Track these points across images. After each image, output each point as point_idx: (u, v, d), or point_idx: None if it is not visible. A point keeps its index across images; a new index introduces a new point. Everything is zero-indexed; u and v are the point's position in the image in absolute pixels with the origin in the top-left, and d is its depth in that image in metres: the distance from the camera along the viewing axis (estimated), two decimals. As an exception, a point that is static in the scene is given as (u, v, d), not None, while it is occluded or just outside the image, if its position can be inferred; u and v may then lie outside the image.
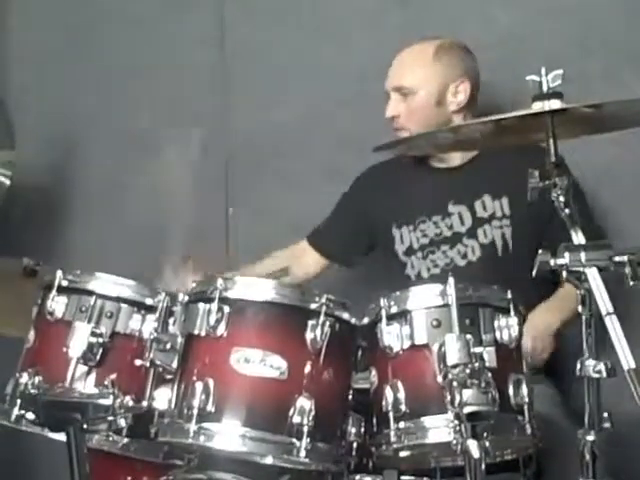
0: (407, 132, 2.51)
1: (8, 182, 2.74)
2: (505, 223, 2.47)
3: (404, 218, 2.58)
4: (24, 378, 1.84)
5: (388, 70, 2.59)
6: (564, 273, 1.62)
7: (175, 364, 1.81)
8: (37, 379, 1.83)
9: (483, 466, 1.55)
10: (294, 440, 1.71)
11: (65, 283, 1.91)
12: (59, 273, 1.91)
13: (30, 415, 1.84)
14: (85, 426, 1.84)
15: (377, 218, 2.66)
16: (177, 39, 3.23)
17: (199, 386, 1.74)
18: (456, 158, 2.55)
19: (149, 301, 1.91)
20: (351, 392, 1.83)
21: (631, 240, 2.47)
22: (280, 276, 2.58)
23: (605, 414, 1.67)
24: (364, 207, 2.69)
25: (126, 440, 1.94)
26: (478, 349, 1.64)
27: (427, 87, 2.52)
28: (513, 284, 1.84)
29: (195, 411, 1.72)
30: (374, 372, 1.81)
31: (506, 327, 1.76)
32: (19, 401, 1.85)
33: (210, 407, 1.73)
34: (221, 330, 1.77)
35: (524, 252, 2.39)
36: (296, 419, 1.72)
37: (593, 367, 1.62)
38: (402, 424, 1.74)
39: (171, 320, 1.89)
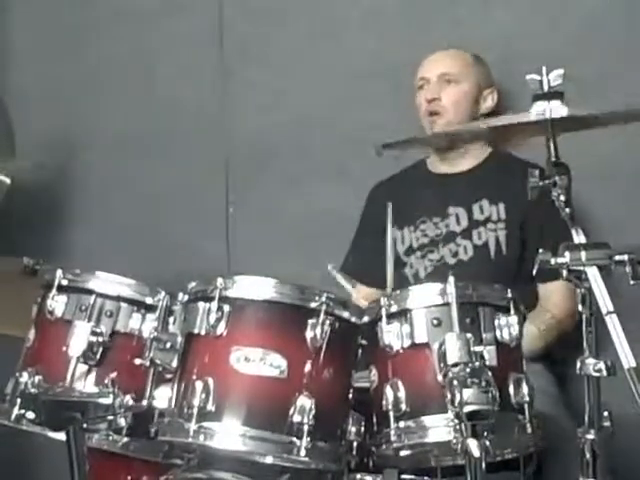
0: (443, 118, 2.60)
1: (9, 181, 2.74)
2: (500, 227, 2.52)
3: (405, 219, 2.61)
4: (24, 377, 1.84)
5: (424, 62, 2.69)
6: (564, 272, 1.63)
7: (175, 363, 1.81)
8: (37, 378, 1.83)
9: (483, 465, 1.55)
10: (294, 439, 1.71)
11: (65, 282, 1.91)
12: (59, 272, 1.91)
13: (30, 414, 1.84)
14: (85, 425, 1.85)
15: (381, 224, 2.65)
16: (177, 39, 3.23)
17: (199, 385, 1.73)
18: (458, 165, 2.64)
19: (149, 300, 1.91)
20: (351, 391, 1.82)
21: (628, 239, 2.46)
22: None
23: (605, 413, 1.67)
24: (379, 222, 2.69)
25: (126, 439, 1.94)
26: (478, 348, 1.64)
27: (471, 81, 2.66)
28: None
29: (195, 410, 1.71)
30: (374, 371, 1.80)
31: (506, 326, 1.75)
32: (19, 400, 1.84)
33: (210, 406, 1.72)
34: (221, 329, 1.76)
35: (516, 256, 2.46)
36: (296, 418, 1.71)
37: (593, 366, 1.62)
38: (402, 423, 1.73)
39: (171, 319, 1.89)
